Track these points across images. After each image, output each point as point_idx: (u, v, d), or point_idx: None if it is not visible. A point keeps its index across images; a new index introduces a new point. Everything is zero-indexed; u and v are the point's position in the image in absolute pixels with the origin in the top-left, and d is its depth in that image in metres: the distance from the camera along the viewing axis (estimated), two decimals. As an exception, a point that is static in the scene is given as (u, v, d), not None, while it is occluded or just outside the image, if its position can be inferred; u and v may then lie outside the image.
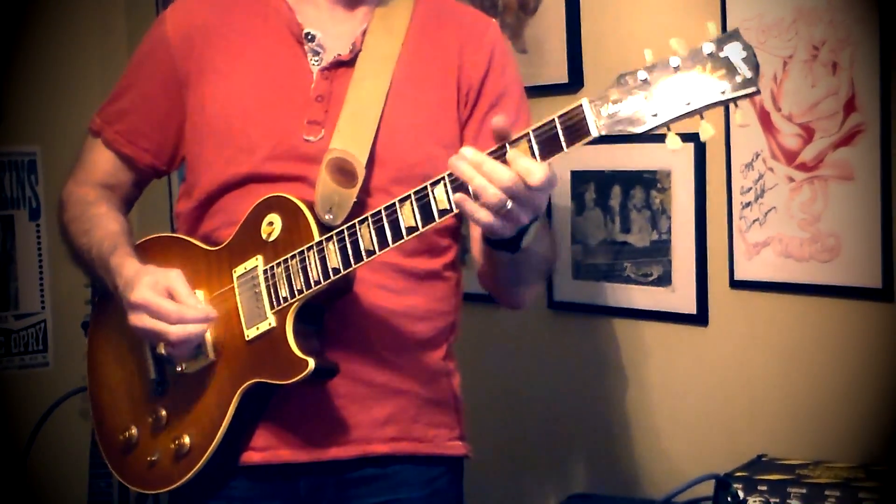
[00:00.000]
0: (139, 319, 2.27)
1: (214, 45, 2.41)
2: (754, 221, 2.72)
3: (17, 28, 4.49)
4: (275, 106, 2.36)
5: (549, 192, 2.03)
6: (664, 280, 2.92)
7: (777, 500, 2.19)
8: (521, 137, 2.01)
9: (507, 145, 2.00)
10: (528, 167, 1.96)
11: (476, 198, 1.99)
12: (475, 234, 2.36)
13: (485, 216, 2.00)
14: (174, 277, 2.28)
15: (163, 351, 2.30)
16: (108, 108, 2.53)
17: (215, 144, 2.38)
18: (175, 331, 2.24)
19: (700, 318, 2.86)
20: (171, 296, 2.26)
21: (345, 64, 2.36)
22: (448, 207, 2.07)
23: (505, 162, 1.98)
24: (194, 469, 2.33)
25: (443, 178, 2.07)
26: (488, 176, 1.97)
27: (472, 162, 1.99)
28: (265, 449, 2.35)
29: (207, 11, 2.45)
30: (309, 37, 2.37)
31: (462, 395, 2.52)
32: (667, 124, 1.92)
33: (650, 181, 2.93)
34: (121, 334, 2.45)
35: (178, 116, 2.45)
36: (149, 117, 2.48)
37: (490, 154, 2.00)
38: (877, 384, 2.55)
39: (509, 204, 1.98)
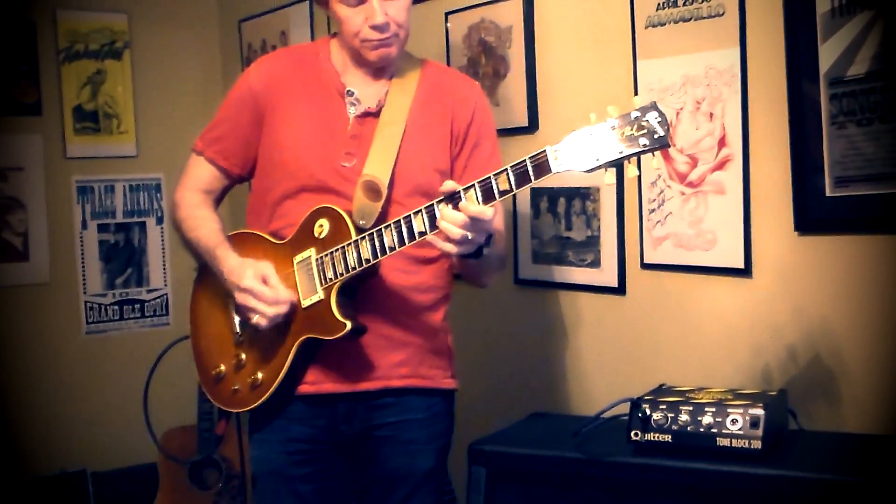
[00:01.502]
0: (245, 300, 2.31)
1: (283, 93, 2.41)
2: (657, 222, 2.72)
3: (150, 101, 4.54)
4: (322, 140, 2.37)
5: (490, 221, 2.11)
6: (595, 263, 2.91)
7: (672, 415, 2.18)
8: (501, 172, 2.06)
9: (491, 177, 2.07)
10: (478, 210, 2.07)
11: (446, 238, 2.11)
12: None
13: (452, 248, 2.12)
14: (268, 268, 2.32)
15: (255, 320, 2.31)
16: (207, 134, 2.52)
17: (280, 164, 2.39)
18: (271, 311, 2.28)
19: (620, 289, 2.85)
20: (265, 281, 2.29)
21: (372, 114, 2.38)
22: None
23: (458, 208, 2.09)
24: (264, 396, 2.35)
25: (445, 199, 2.12)
26: (447, 219, 2.09)
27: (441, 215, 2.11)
28: (315, 383, 2.37)
29: (279, 68, 2.45)
30: (349, 93, 2.38)
31: (455, 345, 2.53)
32: (605, 166, 1.96)
33: (586, 195, 2.92)
34: (214, 299, 2.47)
35: (257, 142, 2.44)
36: (238, 141, 2.47)
37: (454, 196, 2.11)
38: (739, 332, 2.56)
39: (470, 236, 2.08)
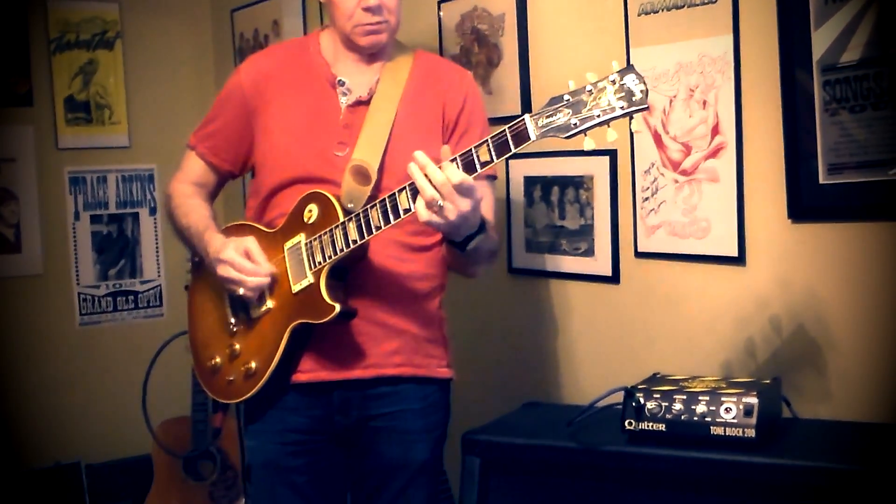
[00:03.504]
0: (225, 271, 2.33)
1: (274, 88, 2.43)
2: (651, 210, 2.72)
3: (142, 91, 4.54)
4: (314, 131, 2.38)
5: (469, 199, 2.05)
6: (589, 252, 2.91)
7: (666, 404, 2.17)
8: (482, 143, 2.03)
9: (472, 149, 2.04)
10: (452, 172, 2.02)
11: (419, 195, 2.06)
12: None
13: (424, 213, 2.06)
14: (250, 241, 2.34)
15: (240, 292, 2.33)
16: (200, 131, 2.56)
17: (273, 158, 2.41)
18: (251, 281, 2.30)
19: (614, 278, 2.85)
20: (247, 255, 2.31)
21: (363, 103, 2.39)
22: None
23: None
24: (258, 385, 2.35)
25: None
26: (430, 176, 2.03)
27: (420, 164, 2.05)
28: (309, 371, 2.37)
29: (269, 65, 2.48)
30: (340, 82, 2.39)
31: (448, 334, 2.53)
32: (584, 131, 1.94)
33: (579, 183, 2.92)
34: (209, 292, 2.49)
35: (248, 138, 2.47)
36: (228, 138, 2.50)
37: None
38: (733, 320, 2.56)
39: (440, 201, 2.02)
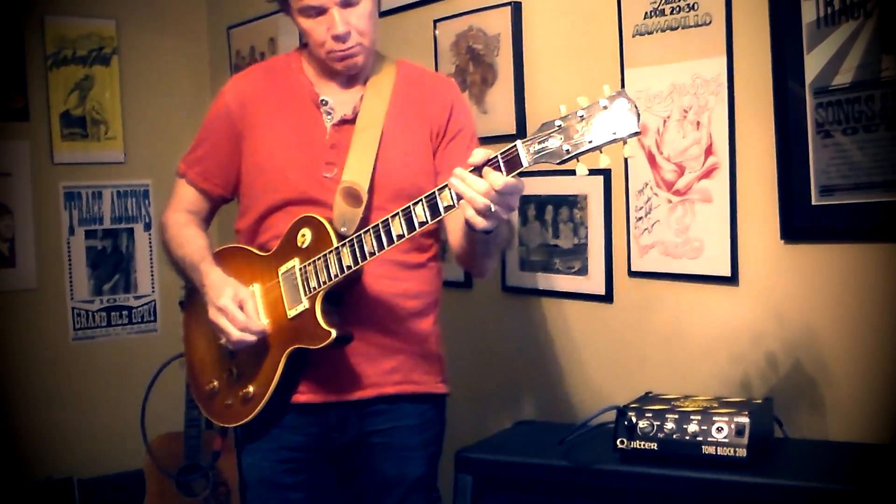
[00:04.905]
0: (216, 317, 2.30)
1: (260, 109, 2.42)
2: (644, 230, 2.73)
3: (138, 107, 4.55)
4: (302, 151, 2.37)
5: (516, 194, 1.99)
6: (582, 271, 2.92)
7: (658, 423, 2.17)
8: (475, 169, 2.00)
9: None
10: (494, 178, 1.95)
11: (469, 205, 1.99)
12: (451, 227, 2.37)
13: (480, 221, 1.99)
14: (247, 294, 2.32)
15: (222, 342, 2.33)
16: (188, 157, 2.54)
17: (263, 179, 2.40)
18: (236, 335, 2.28)
19: (607, 297, 2.86)
20: (241, 306, 2.29)
21: (349, 121, 2.38)
22: (424, 220, 2.09)
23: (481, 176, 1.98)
24: (256, 410, 2.35)
25: (421, 200, 2.08)
26: (472, 187, 1.97)
27: (459, 177, 1.99)
28: (307, 393, 2.37)
29: (254, 87, 2.47)
30: (324, 102, 2.39)
31: (443, 351, 2.53)
32: (577, 156, 1.90)
33: (573, 202, 2.93)
34: (205, 316, 2.44)
35: (238, 160, 2.46)
36: (217, 162, 2.49)
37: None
38: (726, 340, 2.57)
39: (493, 207, 1.97)
